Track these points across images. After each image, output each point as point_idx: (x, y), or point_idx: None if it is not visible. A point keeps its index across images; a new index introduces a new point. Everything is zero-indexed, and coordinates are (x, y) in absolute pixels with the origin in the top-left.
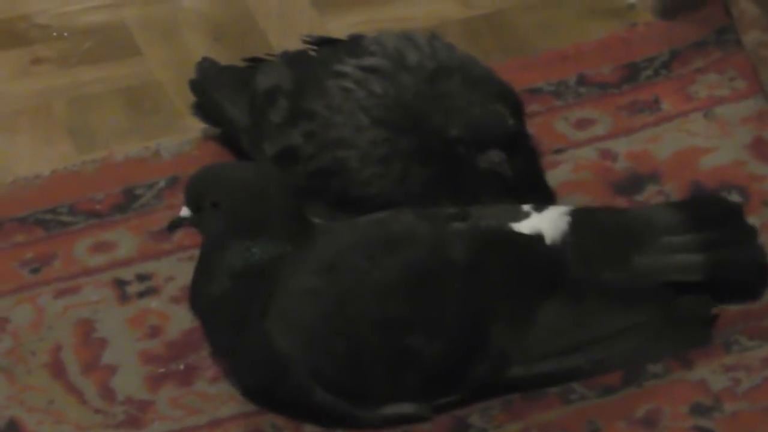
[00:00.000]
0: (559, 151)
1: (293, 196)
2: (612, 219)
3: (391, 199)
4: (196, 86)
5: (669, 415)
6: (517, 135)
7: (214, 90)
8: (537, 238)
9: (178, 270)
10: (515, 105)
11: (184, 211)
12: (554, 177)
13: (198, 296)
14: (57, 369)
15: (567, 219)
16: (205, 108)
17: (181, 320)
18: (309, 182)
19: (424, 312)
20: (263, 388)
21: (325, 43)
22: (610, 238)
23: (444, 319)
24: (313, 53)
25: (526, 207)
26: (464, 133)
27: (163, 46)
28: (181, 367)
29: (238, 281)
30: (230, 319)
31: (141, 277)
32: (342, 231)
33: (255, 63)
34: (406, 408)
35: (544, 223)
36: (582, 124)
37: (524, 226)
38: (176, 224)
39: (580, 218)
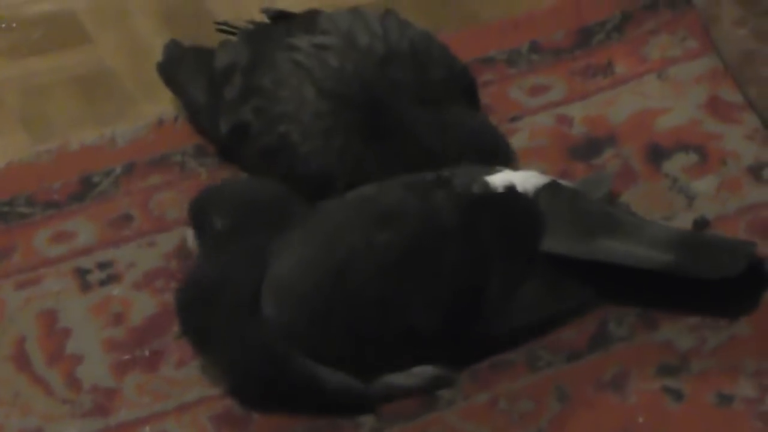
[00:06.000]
0: (514, 119)
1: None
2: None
3: (334, 176)
4: (162, 69)
5: (636, 377)
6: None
7: (178, 71)
8: (515, 194)
9: (139, 256)
10: (467, 87)
11: (191, 237)
12: (511, 145)
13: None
14: (21, 361)
15: (543, 180)
16: (171, 89)
17: (144, 306)
18: (261, 160)
19: (419, 285)
20: (265, 383)
21: (282, 17)
22: (581, 212)
23: (439, 291)
24: (270, 28)
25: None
26: (462, 155)
27: (114, 32)
28: (146, 353)
29: None
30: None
31: (102, 265)
32: (331, 210)
33: (227, 27)
34: (429, 371)
35: (516, 177)
36: (536, 90)
37: (497, 179)
38: (186, 254)
39: (555, 186)
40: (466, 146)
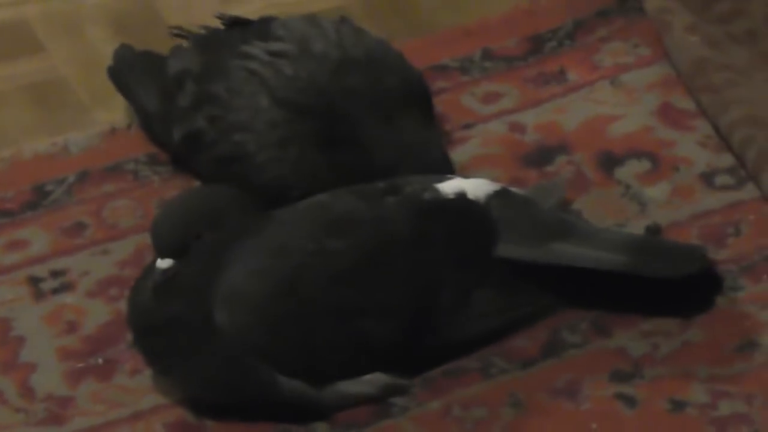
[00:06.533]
0: (467, 127)
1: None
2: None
3: (289, 186)
4: (113, 73)
5: (590, 383)
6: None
7: (129, 76)
8: (467, 201)
9: (92, 264)
10: (422, 95)
11: (164, 263)
12: (464, 152)
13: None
14: None
15: (494, 187)
16: (123, 94)
17: (98, 314)
18: (215, 170)
19: (372, 294)
20: (220, 390)
21: (236, 23)
22: (533, 218)
23: (393, 299)
24: (223, 34)
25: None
26: (407, 169)
27: (67, 41)
28: (100, 361)
29: None
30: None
31: (55, 274)
32: (284, 219)
33: (181, 32)
34: (382, 379)
35: (467, 184)
36: (489, 98)
37: (448, 186)
38: (163, 282)
39: (507, 193)
40: (409, 159)
